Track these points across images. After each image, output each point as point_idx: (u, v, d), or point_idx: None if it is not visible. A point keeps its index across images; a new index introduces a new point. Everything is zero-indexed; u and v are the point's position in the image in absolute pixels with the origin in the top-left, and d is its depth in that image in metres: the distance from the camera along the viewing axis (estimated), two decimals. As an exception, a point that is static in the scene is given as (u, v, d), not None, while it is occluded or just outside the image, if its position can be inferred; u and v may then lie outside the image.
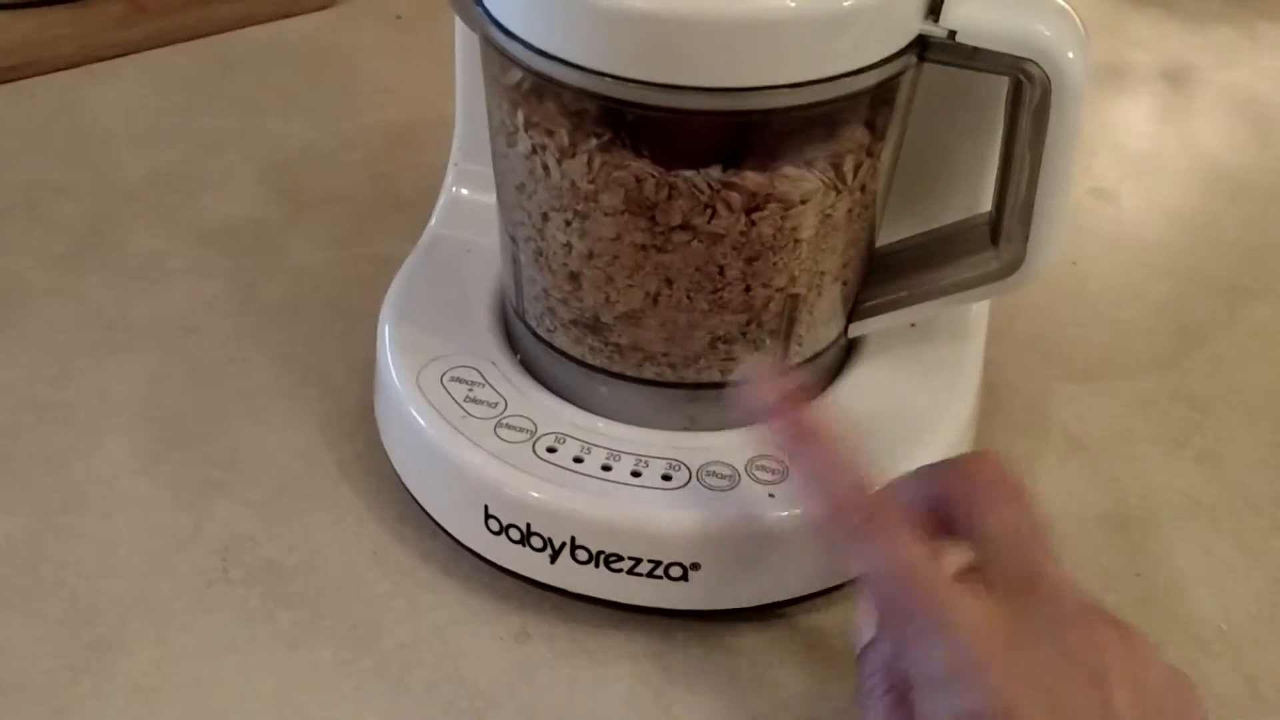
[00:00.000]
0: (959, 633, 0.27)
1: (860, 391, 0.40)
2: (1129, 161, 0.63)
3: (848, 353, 0.41)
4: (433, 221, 0.47)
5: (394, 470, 0.41)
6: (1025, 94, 0.34)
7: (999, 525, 0.30)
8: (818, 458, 0.31)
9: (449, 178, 0.47)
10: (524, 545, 0.37)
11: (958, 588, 0.28)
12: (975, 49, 0.33)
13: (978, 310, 0.43)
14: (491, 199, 0.41)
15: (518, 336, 0.41)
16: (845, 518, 0.30)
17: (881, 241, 0.39)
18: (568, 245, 0.36)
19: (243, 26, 0.69)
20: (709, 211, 0.33)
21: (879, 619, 0.30)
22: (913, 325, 0.41)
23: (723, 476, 0.37)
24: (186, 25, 0.68)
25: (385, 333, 0.41)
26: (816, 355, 0.39)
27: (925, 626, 0.28)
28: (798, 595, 0.38)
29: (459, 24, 0.42)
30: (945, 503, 0.31)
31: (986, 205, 0.39)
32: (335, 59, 0.67)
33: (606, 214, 0.34)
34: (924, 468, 0.32)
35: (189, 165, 0.58)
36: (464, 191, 0.47)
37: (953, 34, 0.32)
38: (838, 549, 0.31)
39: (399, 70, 0.66)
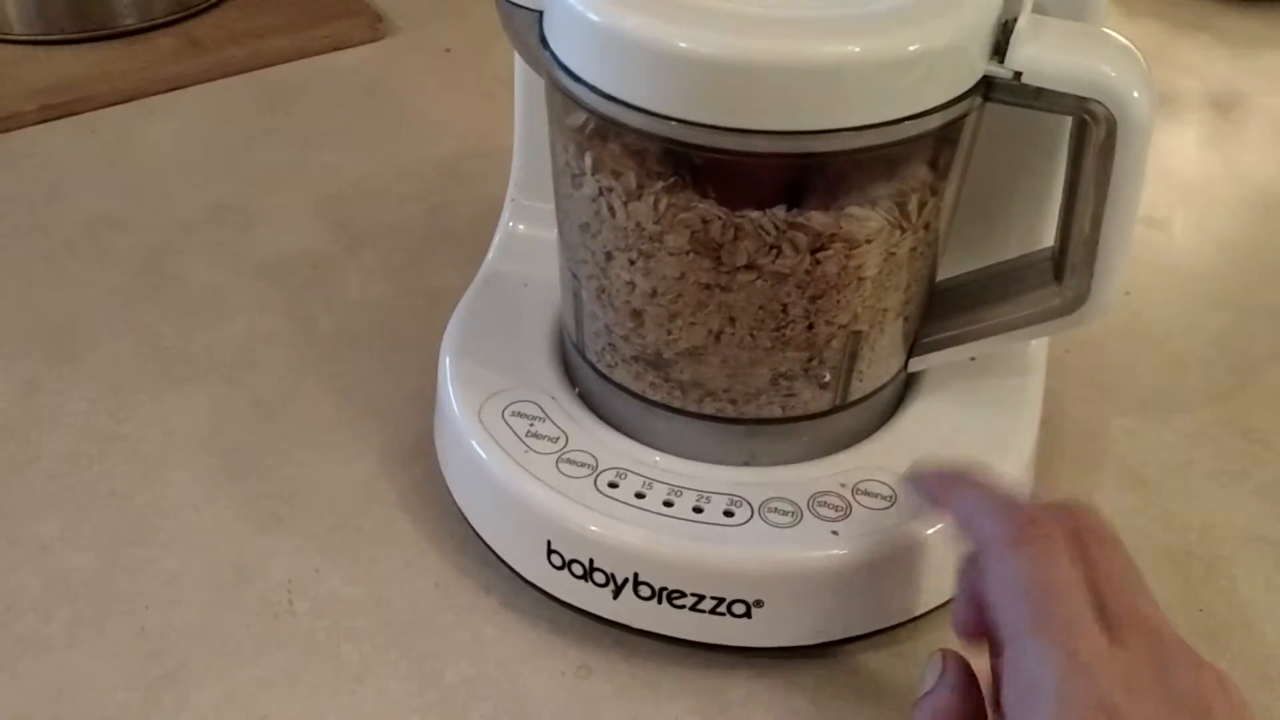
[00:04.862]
0: (1080, 656, 0.28)
1: (920, 426, 0.40)
2: (1179, 190, 0.62)
3: (907, 387, 0.41)
4: (490, 256, 0.47)
5: (454, 502, 0.41)
6: (1090, 133, 0.34)
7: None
8: (975, 484, 0.34)
9: (506, 213, 0.47)
10: (586, 580, 0.37)
11: (1090, 618, 0.29)
12: (1040, 89, 0.33)
13: (1037, 344, 0.43)
14: (549, 235, 0.41)
15: (577, 371, 0.41)
16: (1009, 522, 0.31)
17: (942, 276, 0.39)
18: (631, 284, 0.36)
19: (294, 60, 0.70)
20: (774, 251, 0.33)
21: (1002, 625, 0.30)
22: (972, 359, 0.41)
23: (785, 513, 0.37)
24: (239, 59, 0.69)
25: (446, 366, 0.42)
26: (877, 390, 0.39)
27: (1049, 645, 0.28)
28: (860, 633, 0.38)
29: (518, 63, 0.43)
30: None
31: (1047, 241, 0.39)
32: (386, 92, 0.68)
33: (671, 254, 0.34)
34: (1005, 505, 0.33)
35: (245, 198, 0.59)
36: (520, 227, 0.47)
37: (1018, 75, 0.33)
38: (987, 553, 0.31)
39: (449, 103, 0.67)
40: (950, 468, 0.36)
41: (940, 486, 0.35)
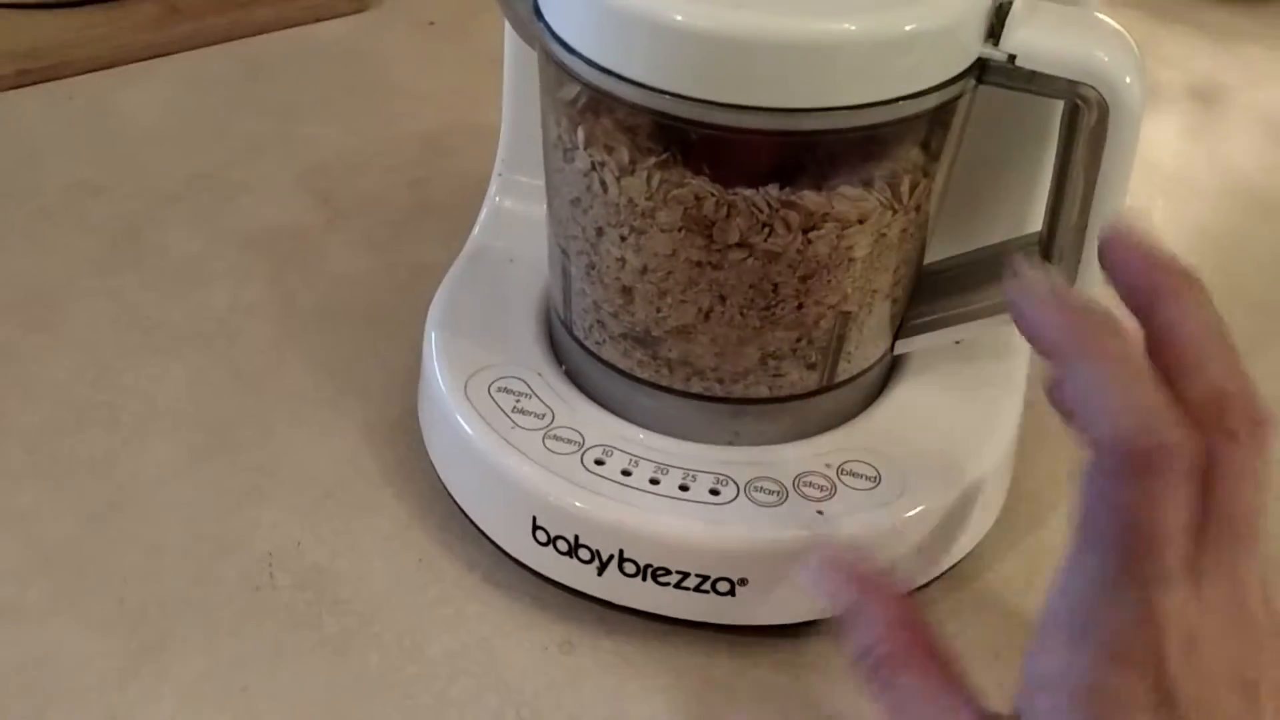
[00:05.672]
0: (1156, 614, 0.26)
1: (905, 408, 0.40)
2: (1160, 180, 0.63)
3: (892, 370, 0.41)
4: (475, 231, 0.47)
5: (437, 478, 0.41)
6: (1081, 117, 0.34)
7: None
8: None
9: (492, 188, 0.47)
10: (571, 557, 0.37)
11: (1178, 574, 0.26)
12: (1033, 72, 0.33)
13: (1021, 329, 0.43)
14: (535, 210, 0.41)
15: (564, 348, 0.41)
16: (1135, 426, 0.26)
17: (930, 259, 0.39)
18: (621, 260, 0.36)
19: (275, 30, 0.70)
20: (766, 230, 0.33)
21: (1079, 542, 0.27)
22: (957, 342, 0.41)
23: (770, 492, 0.37)
24: (220, 28, 0.68)
25: (432, 341, 0.42)
26: (863, 372, 0.39)
27: (1127, 598, 0.26)
28: (843, 611, 0.38)
29: (508, 36, 0.43)
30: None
31: (1035, 224, 0.39)
32: (369, 64, 0.67)
33: (663, 231, 0.34)
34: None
35: (226, 168, 0.58)
36: (507, 202, 0.47)
37: (1012, 58, 0.33)
38: (1096, 459, 0.27)
39: (432, 76, 0.66)
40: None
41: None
